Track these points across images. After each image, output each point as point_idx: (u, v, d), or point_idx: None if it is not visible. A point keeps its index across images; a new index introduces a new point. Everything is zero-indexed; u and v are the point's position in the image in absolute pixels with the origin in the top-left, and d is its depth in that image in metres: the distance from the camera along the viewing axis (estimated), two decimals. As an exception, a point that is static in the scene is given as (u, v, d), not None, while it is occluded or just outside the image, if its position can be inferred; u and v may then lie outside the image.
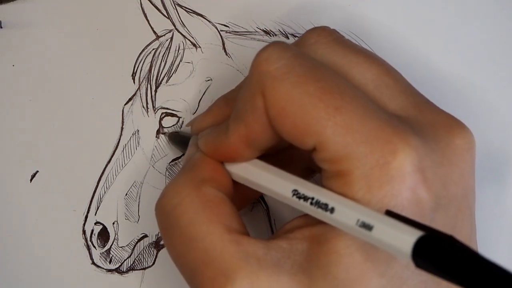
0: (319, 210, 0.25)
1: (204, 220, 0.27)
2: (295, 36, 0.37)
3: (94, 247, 0.36)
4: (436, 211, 0.26)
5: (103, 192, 0.36)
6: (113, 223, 0.36)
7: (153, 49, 0.37)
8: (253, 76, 0.27)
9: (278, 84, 0.26)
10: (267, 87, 0.26)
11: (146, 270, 0.36)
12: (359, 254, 0.25)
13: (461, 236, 0.27)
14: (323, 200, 0.25)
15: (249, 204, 0.36)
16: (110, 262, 0.36)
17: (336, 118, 0.25)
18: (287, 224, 0.28)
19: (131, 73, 0.37)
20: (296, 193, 0.26)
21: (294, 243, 0.27)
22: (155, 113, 0.37)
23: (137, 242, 0.36)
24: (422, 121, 0.27)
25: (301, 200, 0.26)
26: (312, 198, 0.25)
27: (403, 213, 0.24)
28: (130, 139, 0.37)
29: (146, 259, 0.36)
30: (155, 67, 0.37)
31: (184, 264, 0.27)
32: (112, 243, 0.36)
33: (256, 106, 0.27)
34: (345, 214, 0.24)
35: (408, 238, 0.22)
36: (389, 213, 0.24)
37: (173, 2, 0.38)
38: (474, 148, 0.28)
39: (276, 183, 0.27)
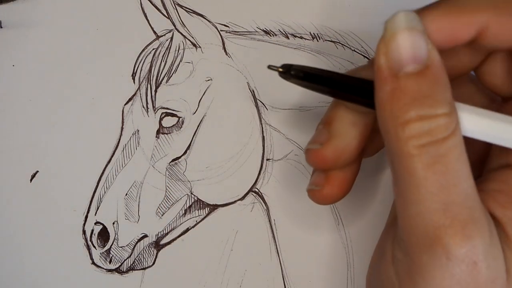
0: None
1: None
2: (295, 36, 0.37)
3: (94, 247, 0.36)
4: None
5: (103, 192, 0.36)
6: (113, 223, 0.36)
7: (153, 49, 0.37)
8: None
9: None
10: None
11: (146, 270, 0.36)
12: None
13: None
14: None
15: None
16: (110, 262, 0.36)
17: None
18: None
19: (131, 73, 0.37)
20: None
21: None
22: (155, 113, 0.37)
23: (137, 242, 0.36)
24: None
25: None
26: None
27: None
28: (130, 139, 0.37)
29: (146, 259, 0.36)
30: (155, 67, 0.37)
31: None
32: (112, 243, 0.36)
33: None
34: None
35: None
36: None
37: (173, 2, 0.38)
38: None
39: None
